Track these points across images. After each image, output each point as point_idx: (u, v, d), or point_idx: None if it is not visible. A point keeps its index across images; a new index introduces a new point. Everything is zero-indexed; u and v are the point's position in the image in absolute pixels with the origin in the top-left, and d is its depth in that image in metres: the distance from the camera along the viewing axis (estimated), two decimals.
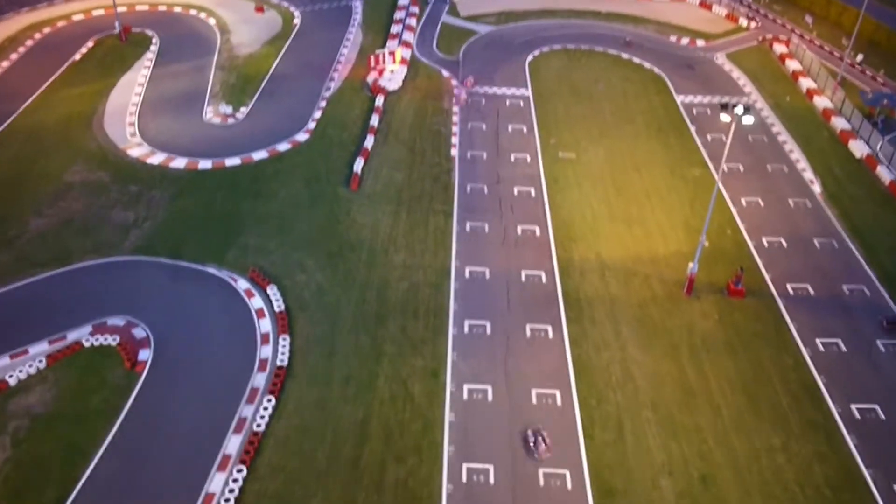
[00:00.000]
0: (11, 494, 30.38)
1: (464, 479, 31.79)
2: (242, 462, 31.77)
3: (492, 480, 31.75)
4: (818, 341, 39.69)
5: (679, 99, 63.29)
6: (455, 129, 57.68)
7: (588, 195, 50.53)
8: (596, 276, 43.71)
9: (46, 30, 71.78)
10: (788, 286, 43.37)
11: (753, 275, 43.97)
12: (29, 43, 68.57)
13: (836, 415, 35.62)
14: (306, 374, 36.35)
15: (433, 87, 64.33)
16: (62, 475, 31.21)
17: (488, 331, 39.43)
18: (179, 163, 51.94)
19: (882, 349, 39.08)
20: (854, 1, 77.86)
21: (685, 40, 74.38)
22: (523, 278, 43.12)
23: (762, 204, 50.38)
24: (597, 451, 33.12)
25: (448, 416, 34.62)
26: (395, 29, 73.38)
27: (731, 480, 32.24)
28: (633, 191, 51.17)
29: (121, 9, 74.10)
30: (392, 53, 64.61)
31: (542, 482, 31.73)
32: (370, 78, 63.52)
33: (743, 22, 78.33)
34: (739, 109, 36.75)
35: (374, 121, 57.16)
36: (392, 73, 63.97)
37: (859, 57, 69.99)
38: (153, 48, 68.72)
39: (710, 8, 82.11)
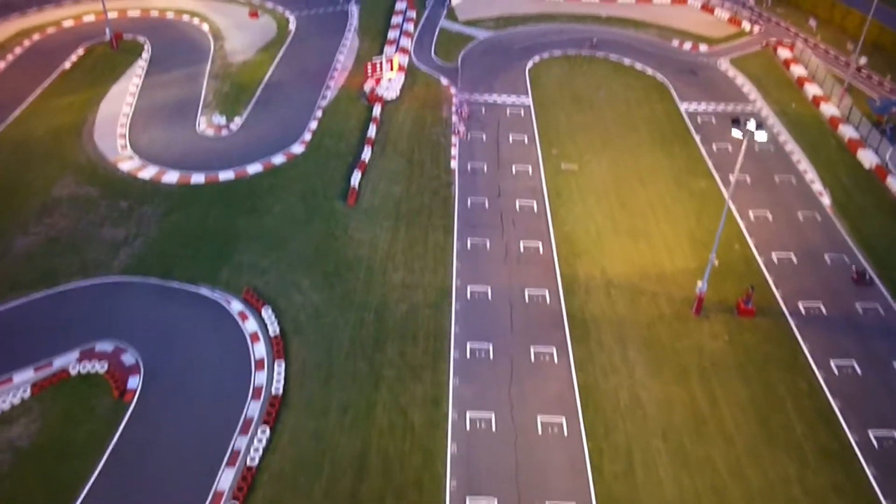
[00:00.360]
0: None
1: None
2: (235, 499, 30.36)
3: None
4: (832, 363, 38.36)
5: (683, 107, 61.90)
6: (454, 139, 56.18)
7: (592, 209, 49.13)
8: (601, 294, 42.33)
9: (36, 36, 70.19)
10: (800, 304, 42.04)
11: (763, 292, 42.63)
12: (18, 50, 66.94)
13: (853, 442, 34.31)
14: (302, 403, 34.94)
15: (432, 95, 62.88)
16: None
17: (491, 354, 38.06)
18: (171, 177, 50.45)
19: None
20: (858, 3, 76.56)
21: (688, 45, 72.94)
22: (526, 297, 41.73)
23: (770, 217, 49.03)
24: (606, 486, 31.77)
25: (450, 446, 33.26)
26: (392, 35, 71.91)
27: None
28: (637, 204, 49.78)
29: (112, 14, 72.61)
30: (390, 61, 63.04)
31: None
32: (367, 86, 62.05)
33: (746, 26, 76.93)
34: (752, 125, 35.29)
35: (372, 131, 55.71)
36: (389, 82, 62.47)
37: (862, 60, 68.63)
38: (145, 56, 67.16)
39: (712, 11, 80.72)
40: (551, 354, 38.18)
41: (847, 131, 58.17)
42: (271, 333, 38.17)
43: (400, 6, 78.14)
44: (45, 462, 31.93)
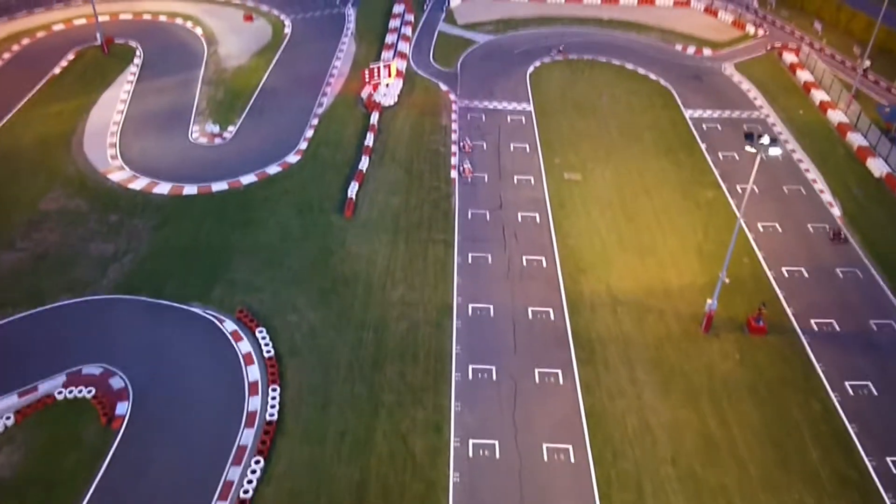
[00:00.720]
0: None
1: None
2: None
3: None
4: (847, 384, 37.03)
5: (688, 114, 60.55)
6: (454, 148, 54.86)
7: (596, 221, 47.74)
8: (607, 311, 40.96)
9: (25, 41, 68.77)
10: (812, 322, 40.71)
11: (775, 308, 41.29)
12: (6, 56, 65.50)
13: (870, 469, 32.95)
14: (298, 430, 33.51)
15: (430, 101, 61.45)
16: None
17: (494, 376, 36.67)
18: (163, 188, 48.97)
19: None
20: (864, 6, 75.25)
21: (691, 49, 71.57)
22: (530, 315, 40.36)
23: (780, 229, 47.70)
24: None
25: (452, 476, 31.88)
26: (389, 39, 70.42)
27: None
28: (643, 216, 48.41)
29: (103, 18, 71.19)
30: (388, 66, 61.54)
31: None
32: (364, 93, 60.55)
33: (750, 29, 75.61)
34: (765, 139, 33.90)
35: (369, 140, 54.27)
36: (387, 88, 61.00)
37: (866, 63, 67.34)
38: (137, 61, 65.73)
39: (715, 14, 79.41)
40: (556, 376, 36.81)
41: (856, 139, 56.85)
42: (266, 355, 36.65)
43: (398, 9, 76.72)
44: (29, 494, 30.54)
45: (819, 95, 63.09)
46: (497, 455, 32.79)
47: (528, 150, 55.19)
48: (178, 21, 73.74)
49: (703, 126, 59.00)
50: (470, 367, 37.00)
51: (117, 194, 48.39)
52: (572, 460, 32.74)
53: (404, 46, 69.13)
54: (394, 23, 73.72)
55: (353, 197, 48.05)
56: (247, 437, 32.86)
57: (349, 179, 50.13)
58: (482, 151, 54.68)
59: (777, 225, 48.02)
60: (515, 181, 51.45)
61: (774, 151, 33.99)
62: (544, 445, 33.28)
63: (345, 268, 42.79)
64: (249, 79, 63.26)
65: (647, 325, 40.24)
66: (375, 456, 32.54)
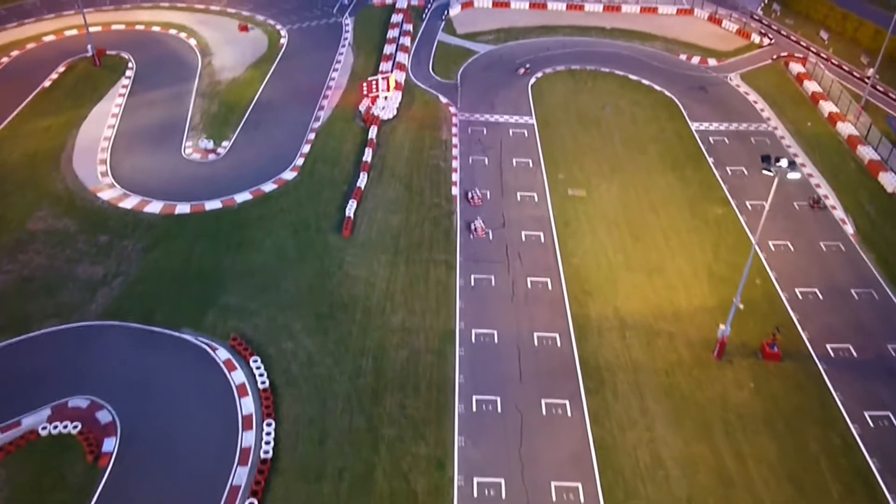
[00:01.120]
0: None
1: None
2: None
3: None
4: (867, 415, 35.49)
5: (694, 126, 59.09)
6: (455, 163, 53.31)
7: (602, 240, 46.21)
8: (615, 336, 39.41)
9: (14, 53, 67.17)
10: (828, 347, 39.20)
11: (789, 332, 39.78)
12: None
13: None
14: (294, 468, 31.91)
15: (430, 114, 59.94)
16: None
17: (499, 408, 35.11)
18: (155, 207, 47.38)
19: None
20: (871, 15, 73.95)
21: (696, 59, 70.15)
22: (536, 341, 38.79)
23: (792, 248, 46.21)
24: None
25: None
26: (388, 49, 68.89)
27: None
28: (650, 234, 46.89)
29: (95, 28, 69.64)
30: (386, 78, 60.00)
31: None
32: (362, 106, 58.99)
33: (755, 38, 74.14)
34: (783, 163, 32.38)
35: (368, 155, 52.71)
36: (386, 101, 59.44)
37: (869, 71, 66.02)
38: (129, 73, 64.08)
39: (719, 23, 78.00)
40: (564, 407, 35.27)
41: (867, 152, 55.41)
42: (260, 386, 35.03)
43: (396, 18, 75.25)
44: None
45: (827, 107, 61.67)
46: (503, 495, 31.23)
47: (530, 164, 53.68)
48: (172, 32, 72.19)
49: (710, 139, 57.53)
50: (474, 397, 35.45)
51: (107, 214, 46.78)
52: (582, 500, 31.17)
53: (403, 57, 67.59)
54: (392, 32, 72.24)
55: (352, 216, 46.52)
56: (240, 476, 31.28)
57: (347, 197, 48.58)
58: (484, 167, 53.14)
59: (789, 244, 46.54)
60: (518, 198, 49.93)
61: (794, 175, 32.55)
62: (552, 483, 31.75)
63: (343, 291, 41.19)
64: (244, 91, 61.70)
65: (656, 350, 38.71)
66: (376, 496, 30.98)
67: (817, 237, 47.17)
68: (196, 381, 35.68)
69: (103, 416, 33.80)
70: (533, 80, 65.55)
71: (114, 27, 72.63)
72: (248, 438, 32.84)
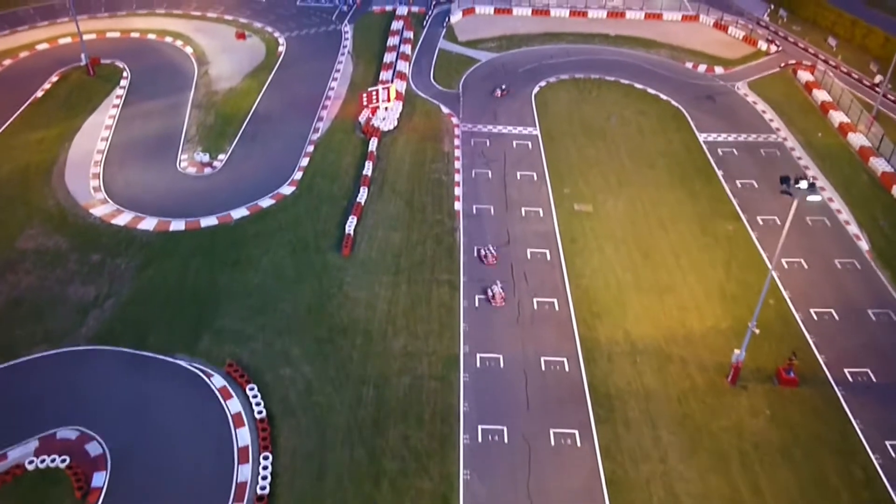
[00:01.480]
0: None
1: None
2: None
3: None
4: (888, 444, 34.13)
5: (701, 137, 57.70)
6: (458, 177, 51.92)
7: (610, 258, 44.81)
8: (626, 361, 37.99)
9: (7, 62, 65.78)
10: (846, 371, 37.81)
11: (805, 356, 38.40)
12: None
13: None
14: None
15: (432, 125, 58.55)
16: None
17: (505, 438, 33.69)
18: (149, 223, 45.95)
19: None
20: (880, 22, 72.65)
21: (702, 67, 68.77)
22: (543, 366, 37.38)
23: (806, 266, 44.80)
24: None
25: None
26: (388, 58, 67.47)
27: None
28: (659, 251, 45.51)
29: (89, 36, 68.28)
30: (387, 88, 58.57)
31: None
32: (362, 117, 57.56)
33: (762, 45, 72.75)
34: (803, 185, 30.96)
35: (368, 169, 51.27)
36: (386, 111, 58.01)
37: (878, 78, 64.70)
38: (123, 83, 62.69)
39: (725, 29, 76.61)
40: (573, 437, 33.84)
41: (879, 164, 54.04)
42: (257, 416, 33.59)
43: (396, 25, 73.85)
44: None
45: (838, 117, 60.30)
46: None
47: (535, 178, 52.28)
48: (168, 40, 70.76)
49: (719, 151, 56.15)
50: (479, 427, 34.04)
51: (99, 231, 45.37)
52: None
53: (403, 66, 66.18)
54: (392, 40, 70.85)
55: (352, 233, 45.06)
56: None
57: (347, 213, 47.17)
58: (487, 181, 51.75)
59: (803, 261, 45.14)
60: (523, 213, 48.53)
61: (814, 198, 31.16)
62: None
63: (342, 314, 39.77)
64: (241, 102, 60.29)
65: (668, 376, 37.30)
66: None
67: (831, 254, 45.78)
68: (190, 410, 34.28)
69: (93, 449, 32.40)
70: (536, 90, 64.19)
71: (108, 35, 71.26)
72: (244, 472, 31.45)
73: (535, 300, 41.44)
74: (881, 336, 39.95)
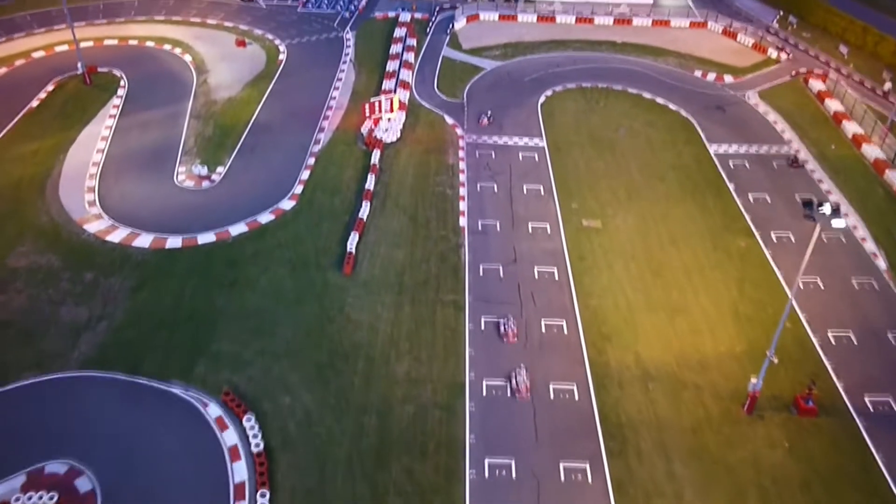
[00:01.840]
0: None
1: None
2: None
3: None
4: None
5: (712, 149, 56.27)
6: (463, 190, 50.52)
7: (620, 277, 43.39)
8: (637, 388, 36.57)
9: (2, 70, 64.44)
10: (867, 399, 36.39)
11: (824, 382, 36.98)
12: None
13: None
14: None
15: (435, 136, 57.19)
16: None
17: (513, 472, 32.32)
18: (144, 240, 44.61)
19: None
20: (892, 28, 71.19)
21: (711, 75, 67.31)
22: (552, 394, 36.00)
23: (822, 285, 43.35)
24: None
25: None
26: (391, 66, 66.08)
27: None
28: (671, 270, 44.09)
29: (87, 44, 67.10)
30: (390, 99, 57.17)
31: None
32: (364, 128, 56.16)
33: (772, 53, 71.26)
34: (826, 209, 29.53)
35: (370, 182, 49.87)
36: (389, 122, 56.61)
37: (887, 86, 63.22)
38: (121, 92, 61.36)
39: (734, 37, 75.15)
40: (584, 472, 32.43)
41: (895, 178, 52.50)
42: (254, 450, 32.20)
43: (399, 32, 72.50)
44: None
45: (851, 128, 58.85)
46: None
47: (542, 192, 50.87)
48: (167, 47, 69.44)
49: (730, 163, 54.71)
50: (486, 461, 32.64)
51: (93, 248, 44.03)
52: None
53: (407, 74, 64.78)
54: (395, 48, 69.47)
55: (353, 251, 43.67)
56: None
57: (348, 229, 45.82)
58: (493, 195, 50.36)
59: (818, 280, 43.68)
60: (530, 229, 47.12)
61: (838, 224, 29.66)
62: None
63: (343, 337, 38.40)
64: (241, 112, 58.93)
65: (682, 404, 35.88)
66: None
67: (848, 272, 44.35)
68: (185, 442, 32.92)
69: (82, 485, 31.06)
70: (543, 99, 62.80)
71: (106, 42, 69.99)
72: None
73: (542, 322, 40.06)
74: None
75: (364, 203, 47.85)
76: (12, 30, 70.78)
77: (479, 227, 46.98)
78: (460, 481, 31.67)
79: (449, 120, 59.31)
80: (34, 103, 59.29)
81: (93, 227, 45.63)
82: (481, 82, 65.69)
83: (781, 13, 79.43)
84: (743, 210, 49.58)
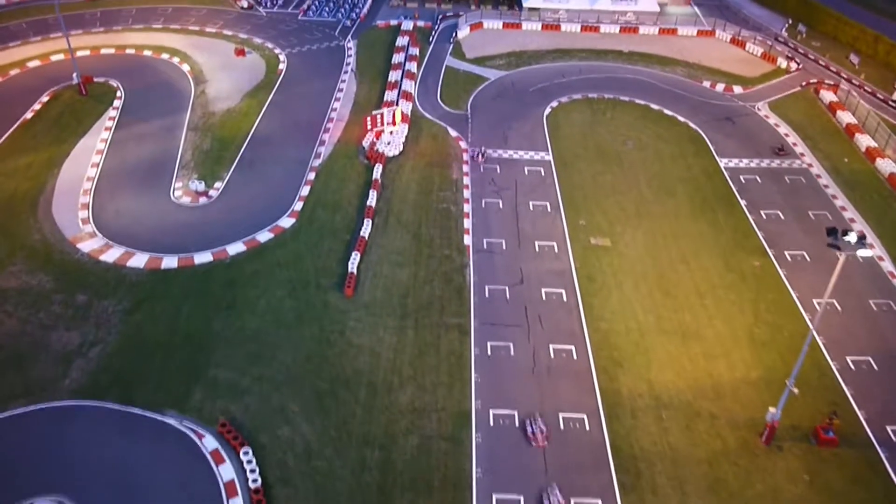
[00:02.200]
0: None
1: None
2: None
3: None
4: None
5: (722, 163, 54.92)
6: (467, 207, 49.14)
7: (630, 298, 41.98)
8: (650, 417, 35.15)
9: None
10: (889, 430, 34.95)
11: (844, 410, 35.54)
12: None
13: None
14: None
15: (439, 150, 55.84)
16: None
17: None
18: (139, 260, 43.22)
19: None
20: None
21: (720, 86, 65.98)
22: (562, 424, 34.57)
23: (839, 308, 41.91)
24: None
25: None
26: (393, 76, 64.71)
27: None
28: (682, 291, 42.69)
29: (83, 52, 65.87)
30: (392, 111, 55.81)
31: None
32: (366, 141, 54.79)
33: (782, 62, 69.92)
34: (852, 238, 28.12)
35: (372, 199, 48.48)
36: (391, 135, 55.25)
37: None
38: (117, 103, 60.02)
39: (743, 45, 73.85)
40: None
41: None
42: (251, 486, 30.78)
43: (401, 41, 71.19)
44: None
45: (864, 141, 57.48)
46: None
47: (548, 208, 49.49)
48: (164, 56, 68.11)
49: (741, 178, 53.34)
50: (494, 497, 31.28)
51: (87, 268, 42.65)
52: None
53: (409, 85, 63.42)
54: (397, 57, 68.13)
55: (355, 271, 42.27)
56: None
57: (350, 248, 44.46)
58: (498, 211, 49.00)
59: (836, 302, 42.24)
60: (537, 248, 45.73)
61: (864, 253, 28.27)
62: None
63: (345, 363, 36.99)
64: (240, 124, 57.59)
65: (697, 434, 34.46)
66: None
67: (866, 294, 42.96)
68: (180, 476, 31.52)
69: None
70: (548, 111, 61.47)
71: (103, 51, 68.74)
72: None
73: (551, 347, 38.68)
74: None
75: (366, 220, 46.49)
76: (8, 38, 69.62)
77: (485, 246, 45.61)
78: None
79: (453, 132, 57.97)
80: (28, 115, 57.99)
81: (86, 246, 44.25)
82: (485, 93, 64.37)
83: (790, 21, 78.13)
84: (755, 227, 48.21)
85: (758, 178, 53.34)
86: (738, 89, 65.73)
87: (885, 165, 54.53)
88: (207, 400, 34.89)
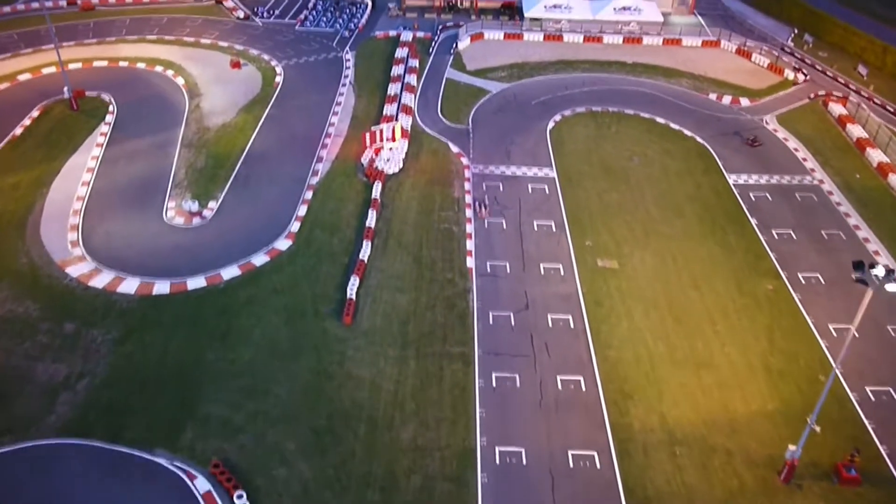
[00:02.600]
0: None
1: None
2: None
3: None
4: None
5: (731, 179, 53.45)
6: (469, 227, 47.64)
7: (640, 325, 40.47)
8: (664, 454, 33.61)
9: None
10: None
11: (865, 445, 34.01)
12: None
13: None
14: None
15: (440, 166, 54.32)
16: None
17: None
18: (130, 285, 41.61)
19: None
20: None
21: (727, 98, 64.53)
22: (571, 462, 33.05)
23: (857, 334, 40.07)
24: None
25: None
26: (392, 89, 63.19)
27: None
28: (694, 317, 41.17)
29: (75, 65, 64.27)
30: (392, 127, 54.26)
31: None
32: (365, 158, 53.22)
33: (789, 74, 68.48)
34: (880, 271, 26.60)
35: (371, 219, 46.91)
36: (391, 152, 53.69)
37: None
38: (109, 118, 58.43)
39: (749, 56, 72.40)
40: None
41: None
42: None
43: (401, 53, 69.64)
44: None
45: (876, 156, 56.06)
46: None
47: (553, 228, 47.98)
48: (158, 69, 66.51)
49: (751, 195, 51.85)
50: None
51: (75, 295, 41.04)
52: None
53: (409, 98, 61.88)
54: (397, 69, 66.62)
55: (353, 297, 40.68)
56: None
57: (348, 272, 42.89)
58: (501, 232, 47.47)
59: (852, 327, 40.45)
60: (542, 271, 44.20)
61: (893, 288, 26.65)
62: None
63: (344, 397, 35.41)
64: (235, 140, 56.01)
65: (713, 472, 32.93)
66: None
67: (884, 320, 41.43)
68: None
69: None
70: (552, 125, 59.98)
71: (95, 64, 67.17)
72: None
73: (558, 378, 37.14)
74: None
75: (365, 242, 44.91)
76: None
77: (488, 269, 44.07)
78: None
79: (454, 148, 56.45)
80: (18, 130, 56.40)
81: (75, 271, 42.64)
82: (487, 106, 62.92)
83: (796, 31, 76.73)
84: (767, 248, 46.75)
85: (768, 196, 51.86)
86: (745, 101, 64.33)
87: None
88: (199, 438, 33.31)
